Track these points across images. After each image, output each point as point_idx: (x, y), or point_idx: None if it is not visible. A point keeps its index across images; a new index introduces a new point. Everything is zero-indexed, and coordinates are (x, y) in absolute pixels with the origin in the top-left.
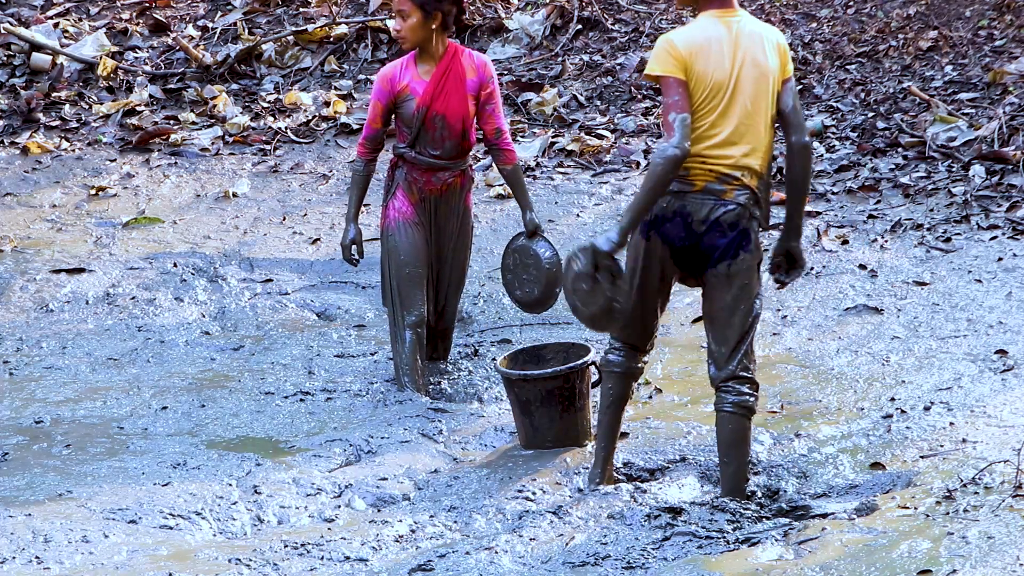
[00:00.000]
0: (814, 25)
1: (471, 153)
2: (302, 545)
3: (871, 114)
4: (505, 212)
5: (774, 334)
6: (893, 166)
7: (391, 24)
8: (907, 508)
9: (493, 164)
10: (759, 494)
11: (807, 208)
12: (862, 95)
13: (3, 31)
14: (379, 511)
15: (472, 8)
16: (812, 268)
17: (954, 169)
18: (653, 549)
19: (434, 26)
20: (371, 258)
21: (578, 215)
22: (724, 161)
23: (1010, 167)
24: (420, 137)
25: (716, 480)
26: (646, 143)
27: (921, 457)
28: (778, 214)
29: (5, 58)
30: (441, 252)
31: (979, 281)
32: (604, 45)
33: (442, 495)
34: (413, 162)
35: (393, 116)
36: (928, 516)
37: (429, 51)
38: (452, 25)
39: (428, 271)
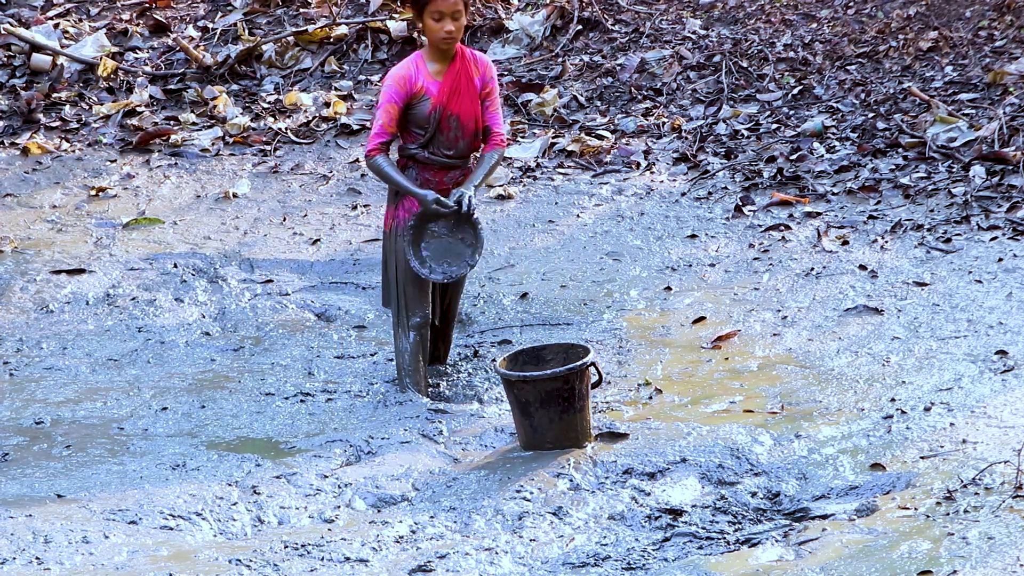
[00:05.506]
0: (814, 25)
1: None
2: (302, 546)
3: (871, 114)
4: (505, 213)
5: (774, 334)
6: (893, 166)
7: (391, 25)
8: (907, 509)
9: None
10: (759, 495)
11: (808, 208)
12: (862, 95)
13: (3, 31)
14: (379, 512)
15: (472, 8)
16: (812, 268)
17: (954, 170)
18: (653, 550)
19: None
20: (371, 259)
21: (578, 215)
22: None
23: (1010, 167)
24: (435, 137)
25: (716, 481)
26: (646, 143)
27: (921, 458)
28: (779, 213)
29: (5, 59)
30: None
31: (979, 282)
32: (604, 45)
33: (442, 496)
34: (426, 162)
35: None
36: (928, 517)
37: (447, 51)
38: None
39: None
